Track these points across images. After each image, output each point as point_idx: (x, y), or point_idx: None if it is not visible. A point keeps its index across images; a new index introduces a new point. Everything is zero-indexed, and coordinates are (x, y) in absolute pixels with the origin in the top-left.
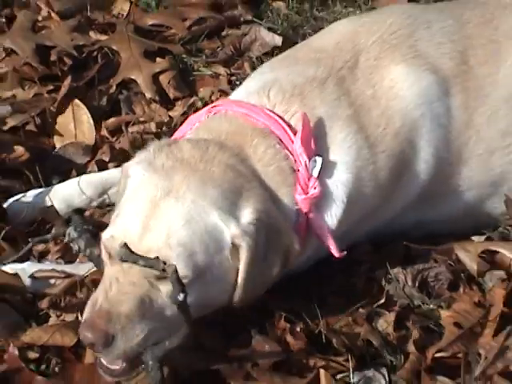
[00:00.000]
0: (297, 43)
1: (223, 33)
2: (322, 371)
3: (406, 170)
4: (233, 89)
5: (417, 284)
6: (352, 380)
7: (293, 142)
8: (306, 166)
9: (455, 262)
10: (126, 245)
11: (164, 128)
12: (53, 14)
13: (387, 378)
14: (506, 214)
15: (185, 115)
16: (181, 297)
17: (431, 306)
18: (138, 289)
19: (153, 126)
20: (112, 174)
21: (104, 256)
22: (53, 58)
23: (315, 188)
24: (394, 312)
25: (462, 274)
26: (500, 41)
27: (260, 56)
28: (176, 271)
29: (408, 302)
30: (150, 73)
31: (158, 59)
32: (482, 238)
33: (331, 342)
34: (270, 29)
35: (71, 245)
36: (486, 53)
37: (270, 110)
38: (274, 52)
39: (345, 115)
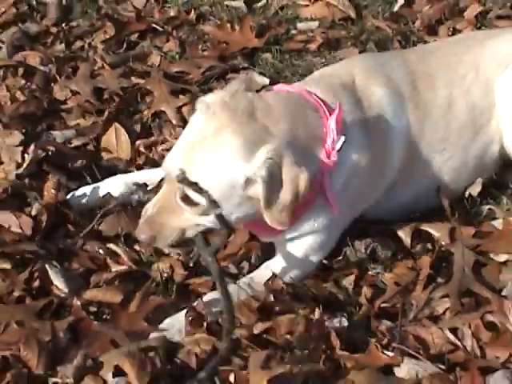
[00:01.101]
0: (279, 83)
1: (227, 76)
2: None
3: (387, 160)
4: None
5: (368, 252)
6: (326, 323)
7: (328, 119)
8: (333, 139)
9: (396, 238)
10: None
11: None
12: (105, 65)
13: (347, 322)
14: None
15: None
16: (217, 211)
17: (378, 269)
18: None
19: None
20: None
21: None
22: (105, 96)
23: (335, 157)
24: (353, 274)
25: (401, 246)
26: (432, 74)
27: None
28: (209, 195)
29: (364, 266)
30: (175, 106)
31: (180, 96)
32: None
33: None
34: (260, 73)
35: None
36: (426, 82)
37: (319, 97)
38: (262, 89)
39: (359, 115)
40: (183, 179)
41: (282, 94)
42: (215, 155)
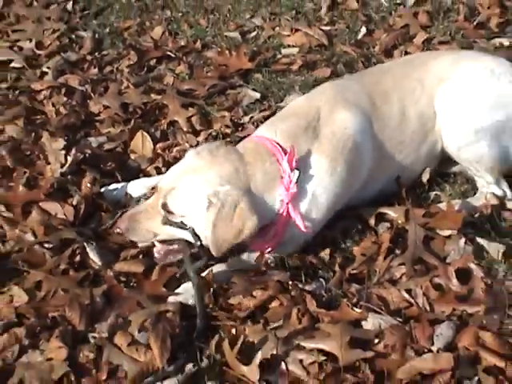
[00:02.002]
0: (267, 97)
1: (227, 92)
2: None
3: (357, 172)
4: (234, 125)
5: (340, 231)
6: (306, 287)
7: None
8: (288, 175)
9: (363, 219)
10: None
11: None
12: (130, 85)
13: (325, 285)
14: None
15: (206, 140)
16: (198, 244)
17: (348, 244)
18: (153, 212)
19: (187, 147)
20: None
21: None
22: (130, 109)
23: (293, 189)
24: (329, 248)
25: (366, 225)
26: (387, 91)
27: (248, 104)
28: (193, 230)
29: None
30: (185, 116)
31: (190, 108)
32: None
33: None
34: (253, 89)
35: None
36: (383, 99)
37: (276, 142)
38: (255, 102)
39: (315, 146)
40: (164, 206)
41: (250, 144)
42: (195, 182)
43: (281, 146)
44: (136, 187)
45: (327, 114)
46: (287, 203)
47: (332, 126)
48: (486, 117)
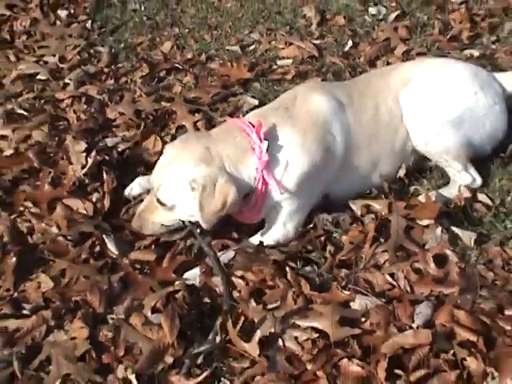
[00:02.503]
0: (265, 103)
1: (228, 99)
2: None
3: (329, 150)
4: None
5: (334, 222)
6: (301, 271)
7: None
8: (258, 146)
9: (351, 211)
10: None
11: None
12: (142, 94)
13: (317, 270)
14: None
15: None
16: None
17: (339, 232)
18: (152, 207)
19: None
20: None
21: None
22: (143, 115)
23: (265, 157)
24: (322, 236)
25: (354, 217)
26: (363, 91)
27: (247, 110)
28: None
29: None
30: (192, 121)
31: (196, 114)
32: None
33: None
34: (252, 96)
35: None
36: (359, 96)
37: (249, 122)
38: (254, 108)
39: (286, 122)
40: (158, 200)
41: (222, 126)
42: (174, 173)
43: (251, 124)
44: (141, 183)
45: (303, 98)
46: (261, 170)
47: (306, 107)
48: (446, 110)
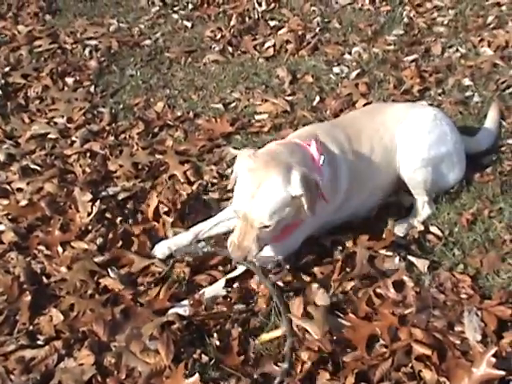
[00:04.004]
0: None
1: (214, 150)
2: None
3: (339, 184)
4: (220, 176)
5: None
6: None
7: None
8: (318, 157)
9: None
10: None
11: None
12: (139, 148)
13: None
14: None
15: (198, 188)
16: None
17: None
18: (253, 231)
19: (184, 194)
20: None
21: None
22: (139, 167)
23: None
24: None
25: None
26: (359, 133)
27: (230, 159)
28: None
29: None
30: (182, 170)
31: (185, 164)
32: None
33: None
34: (234, 147)
35: None
36: (357, 139)
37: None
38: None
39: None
40: (260, 225)
41: (281, 145)
42: (268, 190)
43: (308, 144)
44: (161, 248)
45: (322, 138)
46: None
47: (326, 147)
48: (430, 149)
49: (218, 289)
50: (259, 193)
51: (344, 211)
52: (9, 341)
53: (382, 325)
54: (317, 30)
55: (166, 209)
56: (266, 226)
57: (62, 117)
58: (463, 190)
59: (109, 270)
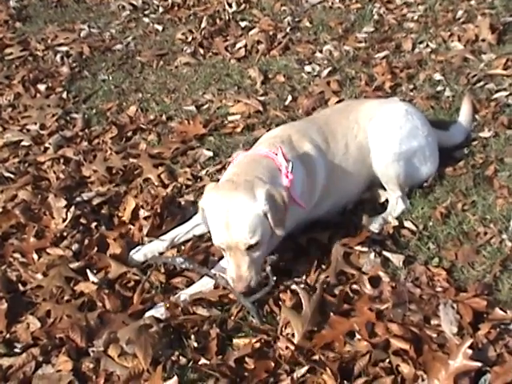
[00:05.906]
0: (219, 154)
1: (187, 153)
2: None
3: (317, 180)
4: (194, 178)
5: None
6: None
7: (276, 159)
8: (285, 167)
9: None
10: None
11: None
12: (112, 152)
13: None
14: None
15: (172, 191)
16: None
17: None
18: (245, 258)
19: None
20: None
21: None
22: (114, 171)
23: (291, 176)
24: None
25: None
26: (334, 131)
27: (204, 161)
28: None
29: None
30: (156, 173)
31: (159, 167)
32: None
33: None
34: (207, 149)
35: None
36: (332, 137)
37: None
38: (209, 159)
39: (295, 155)
40: (247, 248)
41: (245, 158)
42: (241, 213)
43: (274, 153)
44: (137, 256)
45: (297, 140)
46: (288, 187)
47: (301, 148)
48: (402, 143)
49: (194, 290)
50: (230, 217)
51: (321, 209)
52: None
53: (359, 321)
54: (288, 30)
55: (145, 213)
56: (252, 246)
57: (35, 124)
58: (436, 184)
59: (88, 273)
